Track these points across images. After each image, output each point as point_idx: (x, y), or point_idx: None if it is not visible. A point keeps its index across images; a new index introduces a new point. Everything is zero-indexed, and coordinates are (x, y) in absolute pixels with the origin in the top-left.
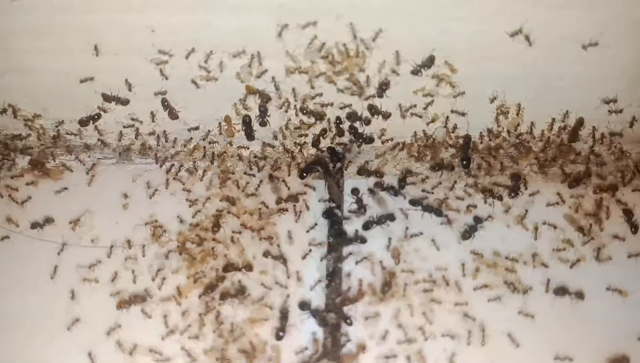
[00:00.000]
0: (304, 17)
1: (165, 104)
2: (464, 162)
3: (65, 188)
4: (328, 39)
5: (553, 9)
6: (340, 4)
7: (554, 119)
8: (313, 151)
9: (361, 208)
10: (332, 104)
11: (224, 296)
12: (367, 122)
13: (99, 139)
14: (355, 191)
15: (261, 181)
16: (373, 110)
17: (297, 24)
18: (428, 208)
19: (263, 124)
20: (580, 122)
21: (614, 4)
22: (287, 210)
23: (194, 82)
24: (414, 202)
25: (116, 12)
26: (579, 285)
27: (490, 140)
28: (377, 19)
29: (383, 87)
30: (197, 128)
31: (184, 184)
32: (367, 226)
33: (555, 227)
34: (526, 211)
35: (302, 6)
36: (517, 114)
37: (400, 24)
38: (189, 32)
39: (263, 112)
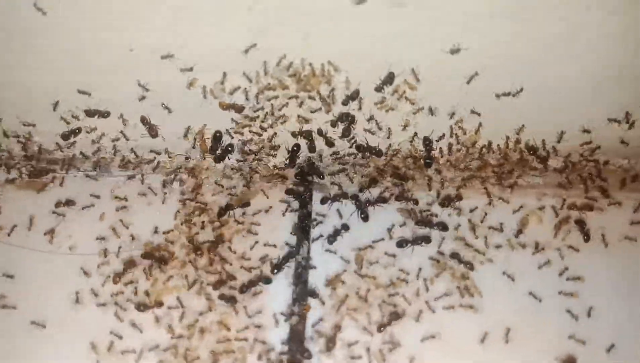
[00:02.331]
0: (272, 35)
1: (145, 122)
2: (427, 161)
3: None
4: (296, 57)
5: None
6: (307, 24)
7: (508, 137)
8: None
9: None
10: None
11: None
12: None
13: (80, 153)
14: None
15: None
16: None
17: (266, 43)
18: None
19: (221, 158)
20: (532, 149)
21: (574, 20)
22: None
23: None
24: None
25: (97, 30)
26: (531, 288)
27: (450, 154)
28: (341, 39)
29: (353, 96)
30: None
31: (159, 194)
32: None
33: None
34: (485, 213)
35: (271, 25)
36: (476, 132)
37: (365, 43)
38: (165, 51)
39: (218, 138)
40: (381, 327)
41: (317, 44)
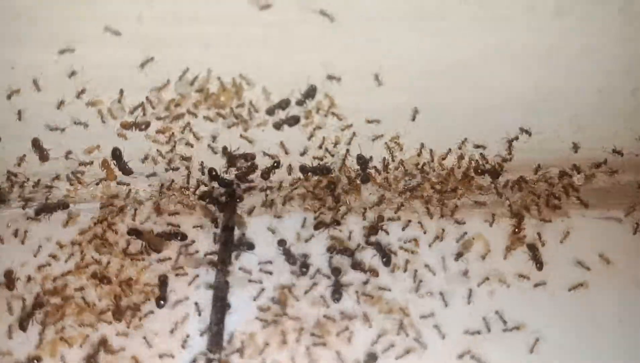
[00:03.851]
0: (170, 48)
1: (37, 145)
2: (363, 178)
3: None
4: (201, 70)
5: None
6: (207, 33)
7: (450, 149)
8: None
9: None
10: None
11: None
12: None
13: None
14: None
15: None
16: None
17: (164, 55)
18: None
19: (127, 171)
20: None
21: (501, 32)
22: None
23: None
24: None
25: None
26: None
27: (387, 173)
28: (249, 50)
29: (291, 121)
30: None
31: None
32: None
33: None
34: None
35: (168, 37)
36: (419, 155)
37: (278, 55)
38: (55, 67)
39: (119, 157)
40: None
41: (222, 56)
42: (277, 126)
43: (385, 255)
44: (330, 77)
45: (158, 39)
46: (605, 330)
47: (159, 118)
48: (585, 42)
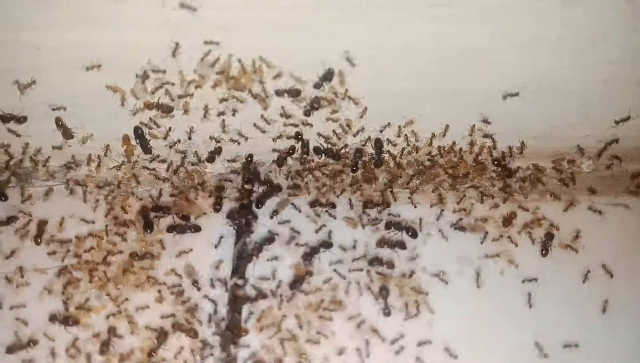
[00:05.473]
0: (193, 31)
1: (60, 123)
2: (377, 163)
3: None
4: (222, 53)
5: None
6: (230, 19)
7: (454, 142)
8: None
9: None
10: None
11: None
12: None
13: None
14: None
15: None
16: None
17: (188, 40)
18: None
19: (148, 150)
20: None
21: (510, 21)
22: None
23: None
24: None
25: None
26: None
27: (401, 158)
28: (269, 34)
29: (314, 105)
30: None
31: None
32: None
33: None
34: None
35: (191, 21)
36: (430, 144)
37: (296, 39)
38: (77, 50)
39: (141, 135)
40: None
41: (242, 38)
42: (307, 113)
43: (409, 228)
44: (347, 61)
45: (180, 24)
46: (612, 315)
47: (180, 97)
48: (592, 32)
